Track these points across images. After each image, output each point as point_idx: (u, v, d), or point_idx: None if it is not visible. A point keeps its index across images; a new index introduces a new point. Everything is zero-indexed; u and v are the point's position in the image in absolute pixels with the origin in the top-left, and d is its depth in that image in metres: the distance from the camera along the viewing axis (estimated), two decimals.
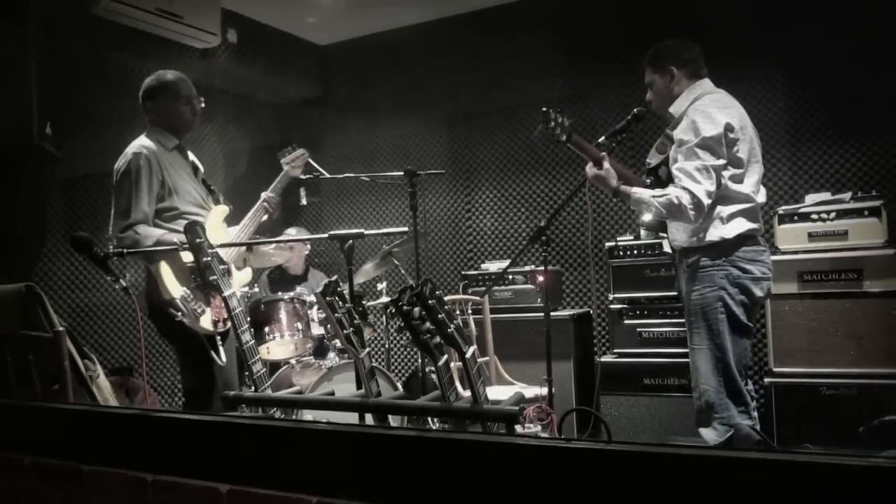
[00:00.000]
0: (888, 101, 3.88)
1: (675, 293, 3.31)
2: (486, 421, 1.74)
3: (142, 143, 3.07)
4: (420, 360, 4.30)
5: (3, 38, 3.37)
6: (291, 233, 4.81)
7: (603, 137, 3.05)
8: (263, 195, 3.30)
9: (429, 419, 3.39)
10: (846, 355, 3.48)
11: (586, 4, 4.72)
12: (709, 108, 2.84)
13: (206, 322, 2.88)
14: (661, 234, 3.13)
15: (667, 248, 3.16)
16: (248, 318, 3.12)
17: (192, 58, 4.57)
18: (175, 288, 2.87)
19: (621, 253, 4.17)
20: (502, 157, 5.12)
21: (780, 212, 3.77)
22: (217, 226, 3.15)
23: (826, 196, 3.80)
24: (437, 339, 1.68)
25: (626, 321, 4.11)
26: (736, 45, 4.07)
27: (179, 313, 2.83)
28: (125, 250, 2.62)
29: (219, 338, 2.96)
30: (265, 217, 3.28)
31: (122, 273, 3.31)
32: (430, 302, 1.65)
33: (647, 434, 3.90)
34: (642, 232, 4.11)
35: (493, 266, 4.71)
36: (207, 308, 2.88)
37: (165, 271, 2.89)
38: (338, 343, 3.80)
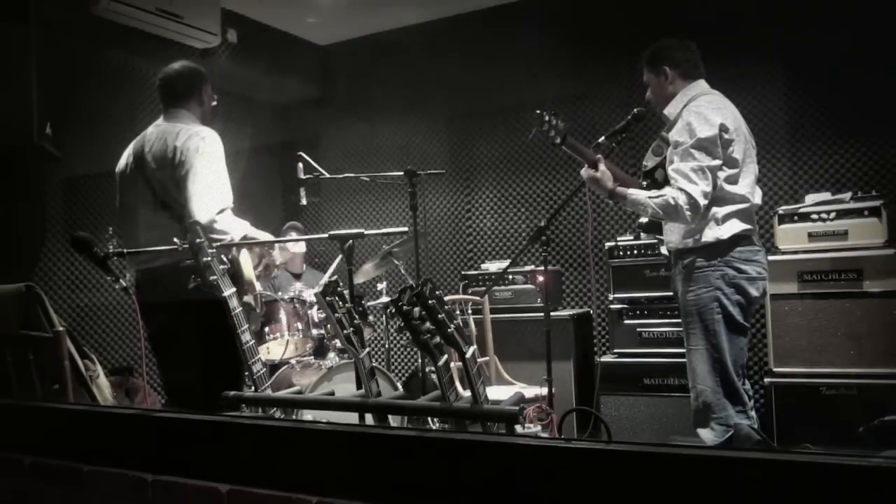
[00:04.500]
0: (888, 101, 3.88)
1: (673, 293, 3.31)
2: (486, 421, 1.74)
3: (207, 127, 2.94)
4: (420, 360, 4.30)
5: (3, 38, 3.37)
6: (297, 226, 4.84)
7: (603, 137, 3.05)
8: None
9: (429, 419, 3.39)
10: (846, 355, 3.48)
11: (586, 4, 4.72)
12: (703, 110, 2.84)
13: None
14: (660, 237, 3.13)
15: (664, 251, 3.15)
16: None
17: (192, 58, 4.56)
18: (254, 279, 2.84)
19: (621, 253, 4.17)
20: (502, 157, 5.12)
21: (780, 212, 3.77)
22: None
23: (826, 196, 3.80)
24: (437, 339, 1.67)
25: (626, 321, 4.11)
26: (736, 45, 4.07)
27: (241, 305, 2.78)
28: (125, 250, 2.61)
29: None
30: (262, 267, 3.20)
31: (122, 273, 3.31)
32: (430, 302, 1.65)
33: (647, 434, 3.90)
34: (642, 233, 4.11)
35: (493, 266, 4.71)
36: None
37: (245, 262, 2.84)
38: (338, 343, 3.80)
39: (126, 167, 3.03)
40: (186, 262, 2.81)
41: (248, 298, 2.78)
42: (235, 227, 2.80)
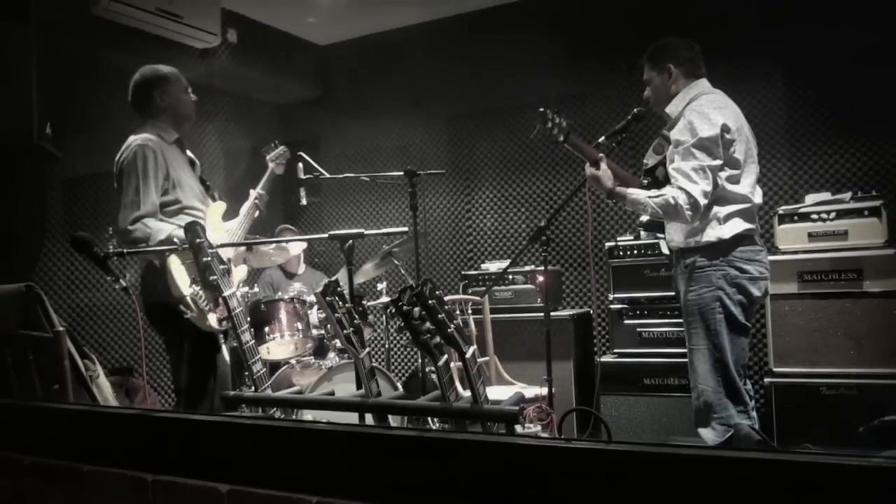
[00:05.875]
0: (888, 101, 3.88)
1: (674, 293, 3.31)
2: (486, 421, 1.74)
3: (144, 135, 3.03)
4: (420, 360, 4.30)
5: (3, 38, 3.37)
6: (290, 228, 4.85)
7: (603, 137, 3.05)
8: (254, 192, 3.31)
9: (429, 419, 3.38)
10: (846, 355, 3.48)
11: (586, 4, 4.72)
12: (705, 109, 2.84)
13: (212, 320, 2.87)
14: (660, 235, 3.13)
15: (664, 249, 3.16)
16: (248, 318, 3.11)
17: (192, 58, 4.56)
18: (185, 285, 2.83)
19: (621, 253, 4.17)
20: (502, 157, 5.12)
21: (780, 212, 3.77)
22: (217, 223, 3.15)
23: (826, 196, 3.80)
24: (437, 339, 1.67)
25: (626, 321, 4.11)
26: (736, 45, 4.07)
27: (188, 311, 2.80)
28: (125, 250, 2.60)
29: (221, 336, 2.95)
30: (256, 214, 3.28)
31: (122, 273, 3.31)
32: (430, 302, 1.65)
33: (647, 434, 3.89)
34: (642, 232, 4.11)
35: (493, 266, 4.71)
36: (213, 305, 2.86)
37: (176, 268, 2.85)
38: (338, 343, 3.80)
39: None
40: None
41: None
42: (157, 232, 2.86)
